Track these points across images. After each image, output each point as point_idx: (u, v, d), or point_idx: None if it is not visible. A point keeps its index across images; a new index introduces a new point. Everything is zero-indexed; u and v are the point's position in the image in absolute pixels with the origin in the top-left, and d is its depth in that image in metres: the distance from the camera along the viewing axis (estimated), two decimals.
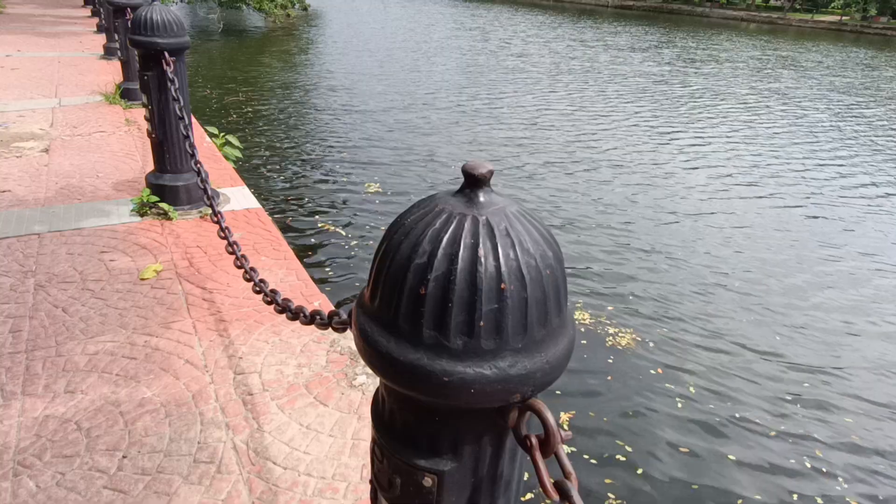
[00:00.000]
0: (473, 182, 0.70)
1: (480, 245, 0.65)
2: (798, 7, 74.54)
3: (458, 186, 0.73)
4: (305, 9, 27.62)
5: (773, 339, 4.42)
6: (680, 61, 21.92)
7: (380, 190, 6.66)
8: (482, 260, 0.64)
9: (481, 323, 0.64)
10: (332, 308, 2.62)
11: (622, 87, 15.21)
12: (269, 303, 1.70)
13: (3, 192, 3.63)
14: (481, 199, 0.69)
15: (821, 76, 21.05)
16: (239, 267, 2.07)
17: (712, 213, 6.92)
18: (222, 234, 2.35)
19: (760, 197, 7.71)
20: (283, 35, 20.67)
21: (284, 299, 1.63)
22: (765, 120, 12.70)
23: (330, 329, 1.12)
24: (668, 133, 10.74)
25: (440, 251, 0.65)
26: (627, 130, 10.65)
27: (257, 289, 1.84)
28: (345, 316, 1.28)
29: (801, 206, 7.48)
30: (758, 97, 15.48)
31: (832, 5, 65.88)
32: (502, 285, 0.64)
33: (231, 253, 2.19)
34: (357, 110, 10.24)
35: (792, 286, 5.28)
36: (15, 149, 4.44)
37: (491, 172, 0.71)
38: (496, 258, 0.65)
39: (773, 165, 9.27)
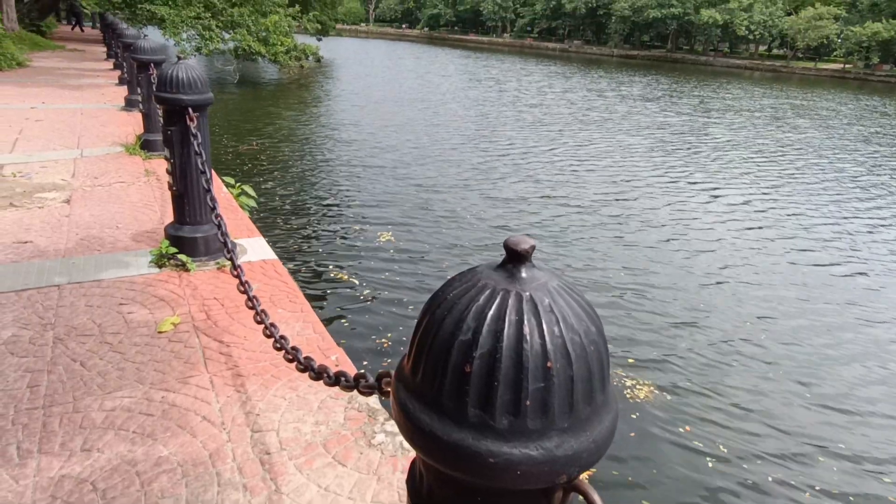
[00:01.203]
0: (516, 257, 0.70)
1: (525, 322, 0.65)
2: (801, 56, 75.85)
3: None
4: (319, 60, 28.42)
5: (804, 414, 4.24)
6: (697, 112, 22.09)
7: (392, 239, 6.71)
8: (528, 337, 0.64)
9: (527, 402, 0.64)
10: (350, 363, 2.60)
11: (642, 138, 15.22)
12: (290, 360, 1.69)
13: (26, 243, 3.68)
14: (524, 274, 0.69)
15: (839, 124, 21.15)
16: (259, 322, 2.07)
17: (740, 268, 6.83)
18: (241, 288, 2.36)
19: (791, 251, 7.57)
20: (297, 86, 21.25)
21: (306, 357, 1.62)
22: (790, 171, 12.60)
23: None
24: (693, 186, 10.69)
25: (485, 328, 0.65)
26: (650, 183, 10.57)
27: (278, 345, 1.84)
28: (372, 380, 1.27)
29: (837, 265, 7.30)
30: (781, 147, 15.45)
31: (834, 54, 66.95)
32: (548, 363, 0.64)
33: (251, 307, 2.19)
34: (369, 161, 10.42)
35: (824, 353, 5.09)
36: (37, 199, 4.52)
37: (533, 248, 0.72)
38: (541, 335, 0.64)
39: (803, 219, 9.14)
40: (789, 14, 75.72)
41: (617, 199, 9.43)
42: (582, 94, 25.03)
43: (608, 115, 19.05)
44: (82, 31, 26.86)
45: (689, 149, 14.36)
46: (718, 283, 6.37)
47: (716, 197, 10.05)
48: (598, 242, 7.40)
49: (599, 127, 16.60)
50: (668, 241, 7.62)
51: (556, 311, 0.66)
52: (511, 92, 24.34)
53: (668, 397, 4.16)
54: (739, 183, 11.24)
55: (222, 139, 10.72)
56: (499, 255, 0.72)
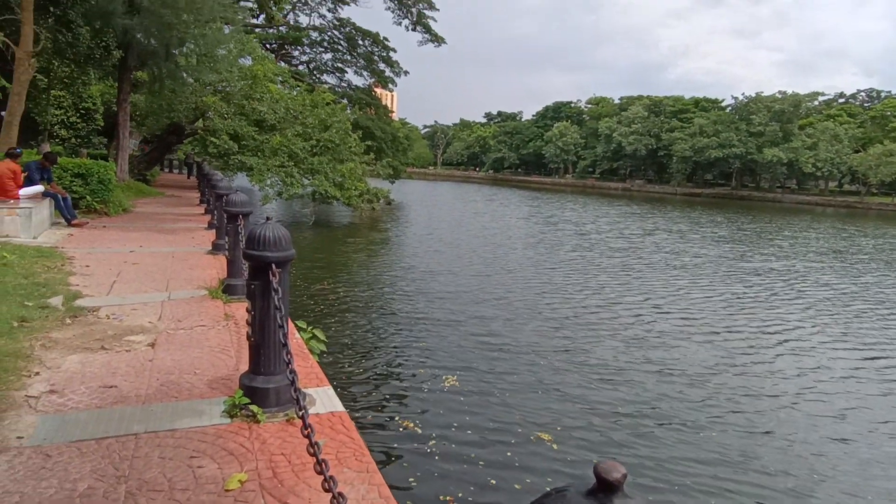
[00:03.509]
0: (607, 487, 0.68)
1: None
2: (875, 191, 74.46)
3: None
4: (390, 202, 30.08)
5: None
6: (797, 254, 20.89)
7: (457, 384, 6.63)
8: None
9: None
10: None
11: (745, 285, 14.28)
12: None
13: (111, 387, 3.86)
14: None
15: None
16: (327, 490, 2.03)
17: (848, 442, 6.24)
18: (311, 450, 2.35)
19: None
20: (369, 227, 22.40)
21: None
22: None
23: None
24: (822, 347, 9.55)
25: None
26: (767, 343, 9.54)
27: None
28: None
29: None
30: None
31: None
32: None
33: (319, 472, 2.17)
34: (437, 302, 10.55)
35: None
36: (125, 343, 4.79)
37: (625, 476, 0.70)
38: None
39: None
40: (857, 151, 75.56)
41: (731, 367, 8.09)
42: (665, 237, 24.56)
43: (700, 260, 18.27)
44: (198, 179, 29.90)
45: (805, 300, 13.19)
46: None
47: (839, 358, 8.69)
48: (727, 445, 5.98)
49: (695, 273, 15.75)
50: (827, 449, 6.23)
51: None
52: (591, 235, 24.08)
53: None
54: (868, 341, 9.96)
55: (297, 280, 11.25)
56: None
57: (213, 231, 9.98)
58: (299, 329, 5.53)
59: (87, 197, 11.99)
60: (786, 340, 9.88)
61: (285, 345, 3.04)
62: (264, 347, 3.51)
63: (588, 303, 11.79)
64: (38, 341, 4.62)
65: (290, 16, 40.76)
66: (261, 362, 3.54)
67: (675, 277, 15.16)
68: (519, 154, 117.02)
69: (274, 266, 3.39)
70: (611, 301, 12.03)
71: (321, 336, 5.54)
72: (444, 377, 6.74)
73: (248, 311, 3.56)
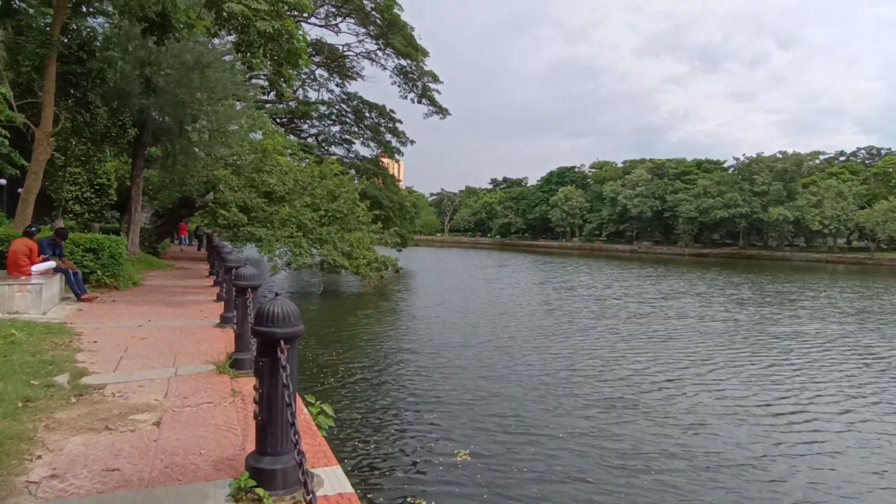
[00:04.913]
0: None
1: None
2: (884, 247, 74.24)
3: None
4: (397, 271, 30.16)
5: None
6: (835, 318, 20.13)
7: (469, 459, 6.42)
8: None
9: None
10: None
11: (781, 352, 13.41)
12: None
13: (114, 470, 3.74)
14: None
15: None
16: None
17: None
18: None
19: None
20: (377, 296, 22.37)
21: None
22: None
23: None
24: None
25: None
26: (819, 421, 8.78)
27: None
28: None
29: None
30: None
31: None
32: None
33: None
34: (449, 376, 10.27)
35: None
36: (130, 422, 4.69)
37: None
38: None
39: None
40: (862, 207, 75.87)
41: (791, 454, 7.23)
42: (688, 300, 23.81)
43: (729, 325, 17.34)
44: (208, 251, 30.20)
45: (850, 365, 12.36)
46: None
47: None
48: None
49: (727, 340, 14.79)
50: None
51: None
52: (610, 300, 23.39)
53: None
54: None
55: (305, 351, 11.15)
56: None
57: (222, 303, 9.98)
58: (307, 404, 5.42)
59: (98, 271, 12.10)
60: (847, 416, 8.94)
61: (293, 424, 2.96)
62: (271, 427, 3.41)
63: (611, 376, 10.99)
64: (42, 422, 4.54)
65: (300, 91, 42.30)
66: (268, 442, 3.43)
67: (705, 345, 14.36)
68: (525, 219, 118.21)
69: (283, 342, 3.34)
70: (637, 373, 11.18)
71: (329, 411, 5.42)
72: (456, 453, 6.53)
73: (255, 388, 3.49)
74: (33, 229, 10.41)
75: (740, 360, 12.84)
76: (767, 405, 9.44)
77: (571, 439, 7.47)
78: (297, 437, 2.86)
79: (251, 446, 3.62)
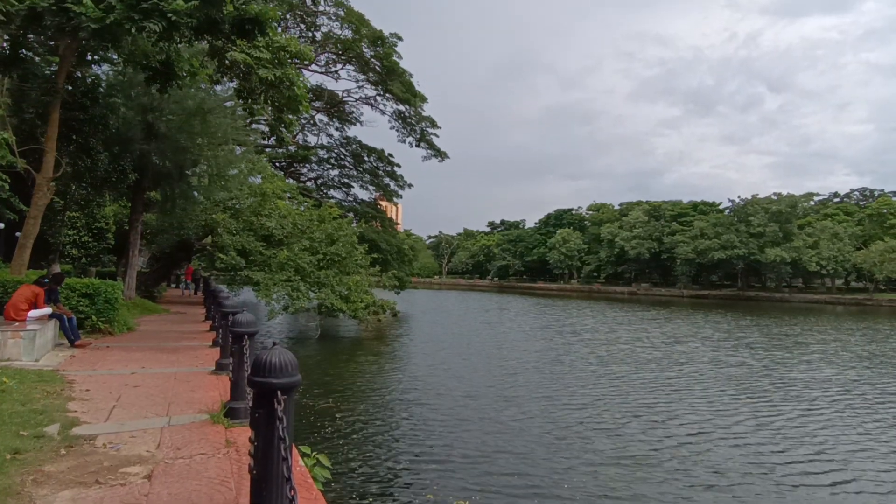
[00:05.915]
0: None
1: None
2: (883, 287, 74.27)
3: None
4: (395, 314, 29.97)
5: None
6: (849, 362, 19.75)
7: None
8: None
9: None
10: None
11: (806, 402, 12.88)
12: None
13: None
14: None
15: None
16: None
17: None
18: None
19: None
20: (374, 339, 22.16)
21: None
22: None
23: None
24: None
25: None
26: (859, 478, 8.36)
27: None
28: None
29: None
30: None
31: None
32: None
33: None
34: (448, 425, 10.02)
35: None
36: (121, 475, 4.55)
37: None
38: None
39: None
40: (858, 248, 76.23)
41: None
42: (697, 345, 23.25)
43: (742, 370, 16.80)
44: (204, 296, 30.01)
45: (877, 414, 12.04)
46: None
47: None
48: None
49: (743, 387, 14.27)
50: None
51: None
52: (618, 344, 22.87)
53: None
54: None
55: (302, 397, 10.96)
56: None
57: (217, 349, 9.85)
58: (303, 455, 5.29)
59: (93, 317, 11.99)
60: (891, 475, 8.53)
61: (289, 479, 2.86)
62: (266, 482, 3.30)
63: (626, 431, 10.43)
64: (31, 476, 4.40)
65: (300, 135, 42.89)
66: (262, 497, 3.32)
67: (724, 395, 13.83)
68: (523, 261, 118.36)
69: (279, 393, 3.26)
70: (655, 426, 10.63)
71: (326, 462, 5.28)
72: (454, 501, 6.34)
73: (250, 440, 3.40)
74: (46, 280, 10.36)
75: (762, 411, 12.32)
76: (798, 462, 9.00)
77: (582, 500, 7.12)
78: (293, 492, 2.75)
79: (245, 500, 3.50)
